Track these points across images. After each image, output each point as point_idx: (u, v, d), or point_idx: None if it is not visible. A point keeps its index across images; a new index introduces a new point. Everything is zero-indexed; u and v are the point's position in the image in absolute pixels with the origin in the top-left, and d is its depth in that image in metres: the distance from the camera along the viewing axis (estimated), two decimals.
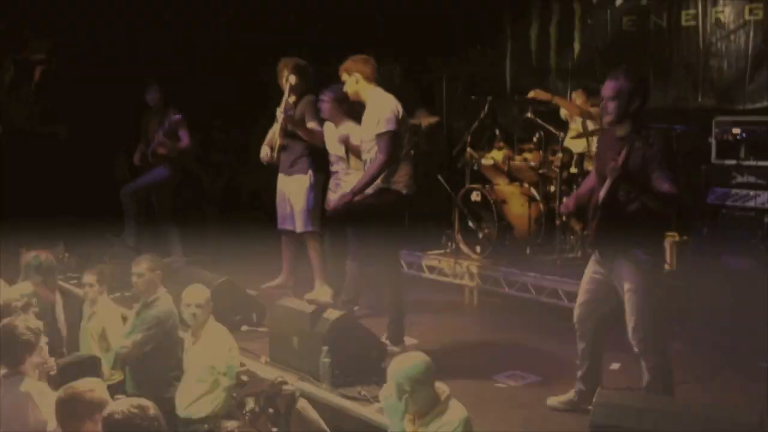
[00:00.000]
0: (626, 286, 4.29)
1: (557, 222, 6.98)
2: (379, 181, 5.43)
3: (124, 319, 5.86)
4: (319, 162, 6.95)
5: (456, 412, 3.67)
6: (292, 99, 6.49)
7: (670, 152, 4.27)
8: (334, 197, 6.10)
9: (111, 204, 8.10)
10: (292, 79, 6.61)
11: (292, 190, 6.69)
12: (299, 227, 6.82)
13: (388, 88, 8.88)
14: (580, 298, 4.61)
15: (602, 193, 4.19)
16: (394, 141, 5.43)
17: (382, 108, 5.49)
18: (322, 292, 6.73)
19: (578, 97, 7.62)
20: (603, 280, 4.46)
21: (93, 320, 5.87)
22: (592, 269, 4.54)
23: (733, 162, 6.29)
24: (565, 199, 4.50)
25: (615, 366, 5.30)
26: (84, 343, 5.93)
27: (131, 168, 8.38)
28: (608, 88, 4.25)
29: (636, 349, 4.33)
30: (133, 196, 7.98)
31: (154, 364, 5.40)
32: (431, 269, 7.45)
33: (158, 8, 8.75)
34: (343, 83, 5.72)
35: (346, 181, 6.13)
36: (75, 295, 6.84)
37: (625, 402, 3.91)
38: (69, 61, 8.76)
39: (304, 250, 7.00)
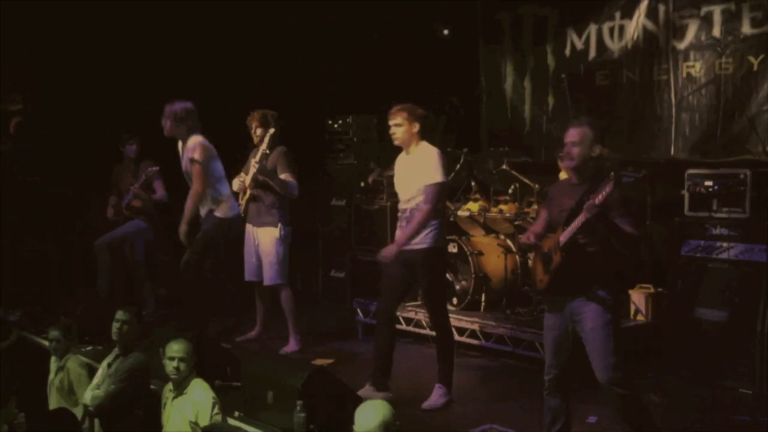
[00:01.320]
0: (588, 325, 4.39)
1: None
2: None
3: (92, 372, 5.76)
4: (288, 214, 7.00)
5: None
6: (266, 151, 6.57)
7: (627, 198, 4.49)
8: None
9: (84, 256, 8.03)
10: (260, 131, 6.75)
11: (261, 241, 6.69)
12: (269, 280, 6.84)
13: (367, 140, 8.99)
14: (548, 353, 4.68)
15: (565, 236, 4.39)
16: (442, 192, 5.61)
17: (432, 159, 5.59)
18: (294, 346, 6.75)
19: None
20: (560, 334, 4.56)
21: (59, 375, 5.77)
22: (547, 327, 4.65)
23: (706, 214, 6.34)
24: (522, 235, 4.66)
25: (592, 419, 5.27)
26: (52, 398, 5.81)
27: (104, 220, 8.32)
28: (572, 134, 4.50)
29: (606, 386, 4.37)
30: (107, 248, 7.91)
31: (126, 419, 5.29)
32: (408, 321, 7.41)
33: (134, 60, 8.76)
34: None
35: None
36: (43, 349, 6.73)
37: None
38: (45, 111, 8.73)
39: (276, 301, 7.01)
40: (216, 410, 4.96)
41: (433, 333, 6.11)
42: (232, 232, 6.75)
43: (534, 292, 4.73)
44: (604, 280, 4.42)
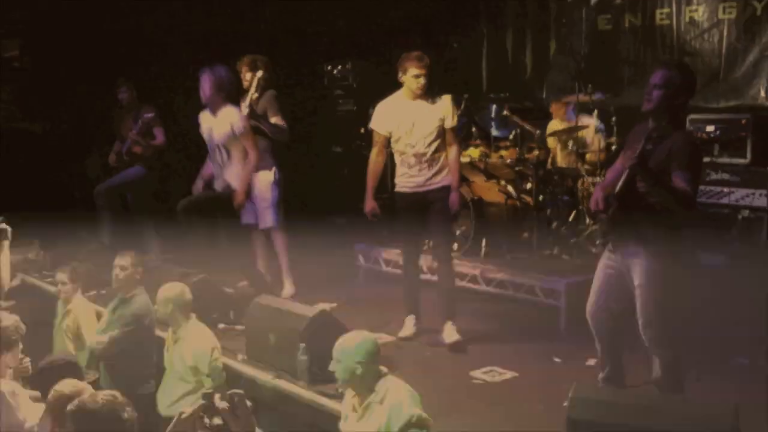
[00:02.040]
0: (636, 281, 4.21)
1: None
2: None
3: (99, 317, 5.82)
4: (281, 158, 7.03)
5: (400, 390, 3.69)
6: (254, 95, 6.55)
7: (695, 154, 4.16)
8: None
9: (86, 202, 8.04)
10: (249, 76, 6.75)
11: (256, 185, 6.70)
12: (264, 223, 6.88)
13: (363, 85, 8.95)
14: (593, 298, 4.46)
15: (620, 184, 4.09)
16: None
17: (449, 103, 5.77)
18: (290, 290, 6.84)
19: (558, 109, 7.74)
20: (615, 274, 4.35)
21: (67, 319, 5.82)
22: (604, 264, 4.41)
23: (707, 159, 6.34)
24: (593, 195, 4.36)
25: (591, 362, 5.33)
26: (58, 342, 5.88)
27: (105, 166, 8.32)
28: (657, 76, 4.15)
29: (647, 345, 4.26)
30: (107, 194, 7.90)
31: (131, 361, 5.36)
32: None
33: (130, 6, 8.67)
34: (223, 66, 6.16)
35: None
36: (49, 293, 6.79)
37: (602, 397, 3.91)
38: (42, 58, 8.67)
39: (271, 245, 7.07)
40: (215, 355, 5.02)
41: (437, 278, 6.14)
42: None
43: (601, 232, 4.45)
44: (657, 235, 4.15)
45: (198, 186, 6.71)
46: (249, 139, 6.25)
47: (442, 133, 5.76)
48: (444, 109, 5.76)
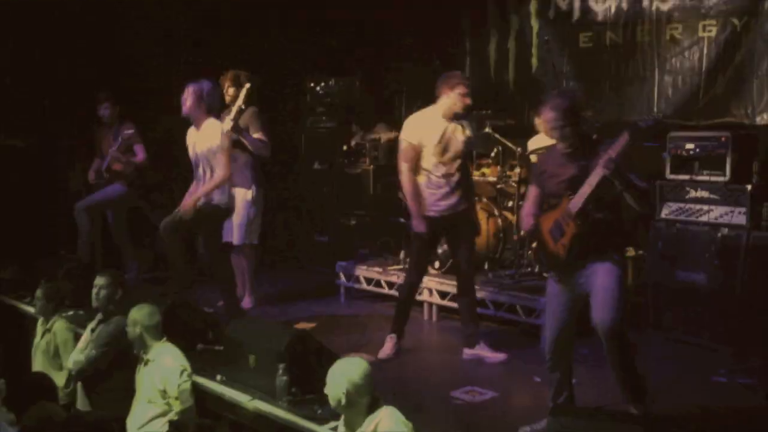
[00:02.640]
0: (599, 280, 4.34)
1: (515, 237, 7.00)
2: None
3: (77, 337, 5.76)
4: (260, 175, 7.04)
5: (392, 422, 3.66)
6: (241, 107, 6.57)
7: (629, 156, 4.39)
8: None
9: (67, 218, 7.97)
10: (232, 90, 6.79)
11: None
12: (237, 240, 6.94)
13: (348, 102, 8.97)
14: (552, 326, 4.58)
15: (576, 203, 4.33)
16: None
17: (467, 126, 5.91)
18: (248, 302, 6.94)
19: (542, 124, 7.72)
20: (568, 300, 4.50)
21: (46, 338, 5.77)
22: (556, 294, 4.55)
23: (687, 177, 6.36)
24: (519, 220, 4.63)
25: (537, 379, 5.34)
26: (37, 362, 5.82)
27: (86, 183, 8.27)
28: (546, 117, 4.52)
29: (605, 332, 4.31)
30: (87, 212, 7.85)
31: (108, 382, 5.31)
32: (390, 285, 7.43)
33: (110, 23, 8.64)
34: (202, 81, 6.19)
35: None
36: (27, 313, 6.72)
37: (580, 415, 3.92)
38: (22, 73, 8.60)
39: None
40: (184, 377, 4.96)
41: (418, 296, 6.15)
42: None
43: (547, 266, 4.61)
44: (616, 241, 4.45)
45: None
46: (223, 157, 6.17)
47: (467, 154, 5.92)
48: (468, 130, 5.86)
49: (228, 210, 6.36)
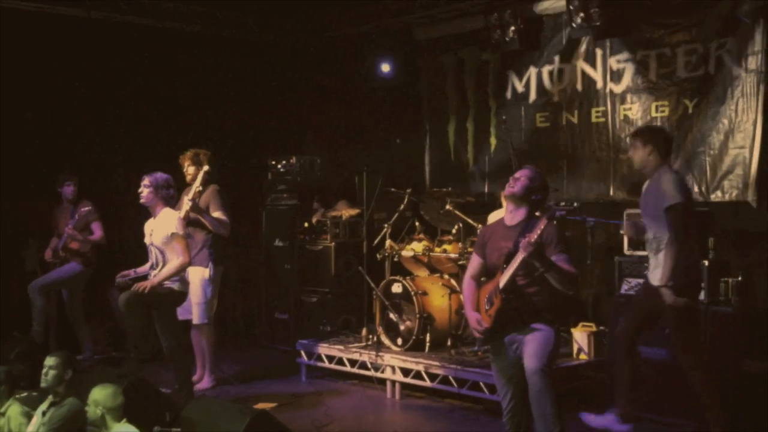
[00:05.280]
0: (528, 338, 4.51)
1: None
2: None
3: (30, 418, 5.58)
4: (218, 254, 7.03)
5: None
6: (198, 188, 6.61)
7: (564, 238, 4.60)
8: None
9: (21, 296, 7.81)
10: (192, 170, 6.85)
11: (191, 280, 6.63)
12: (196, 319, 6.93)
13: (309, 180, 9.04)
14: (505, 400, 4.75)
15: (503, 278, 4.51)
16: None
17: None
18: (207, 383, 6.84)
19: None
20: (510, 362, 4.65)
21: (0, 422, 5.57)
22: (497, 371, 4.77)
23: (644, 253, 6.43)
24: (474, 321, 4.73)
25: None
26: None
27: (42, 261, 8.13)
28: (524, 172, 4.71)
29: (532, 372, 4.46)
30: (41, 291, 7.70)
31: None
32: (352, 362, 7.34)
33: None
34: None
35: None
36: None
37: None
38: None
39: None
40: None
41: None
42: None
43: (478, 336, 4.73)
44: (545, 316, 4.56)
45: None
46: (181, 243, 6.16)
47: None
48: None
49: (182, 294, 6.30)
